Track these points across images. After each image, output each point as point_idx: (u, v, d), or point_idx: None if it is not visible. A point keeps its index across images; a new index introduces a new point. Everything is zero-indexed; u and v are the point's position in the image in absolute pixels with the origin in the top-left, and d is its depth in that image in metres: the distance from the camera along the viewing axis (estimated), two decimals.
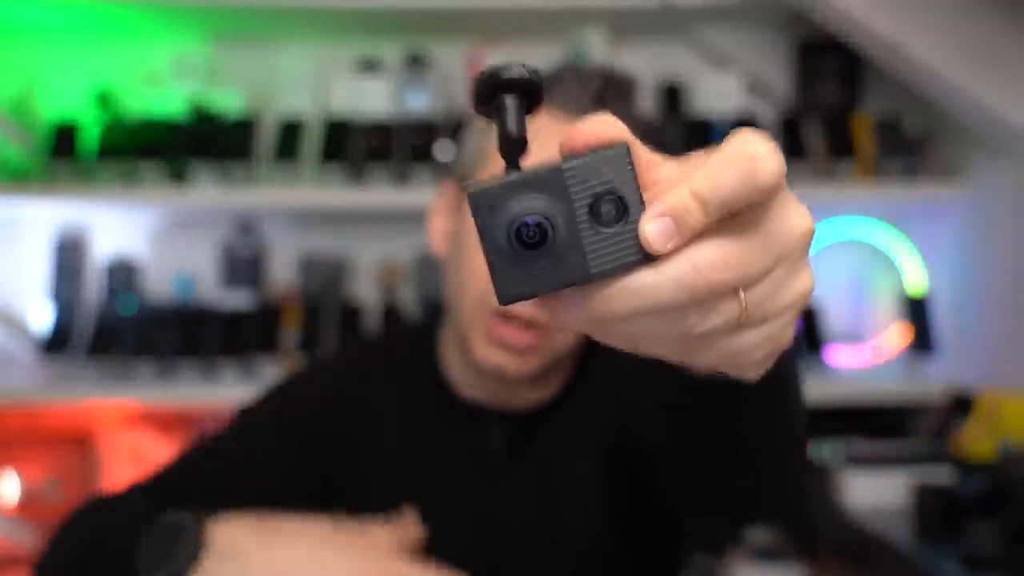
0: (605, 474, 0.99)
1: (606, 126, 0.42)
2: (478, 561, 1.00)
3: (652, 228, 0.39)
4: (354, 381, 1.08)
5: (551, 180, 0.40)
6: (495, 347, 0.91)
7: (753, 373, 0.50)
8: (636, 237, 0.40)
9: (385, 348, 1.15)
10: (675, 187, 0.40)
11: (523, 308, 0.82)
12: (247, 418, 1.06)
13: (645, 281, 0.40)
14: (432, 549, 1.00)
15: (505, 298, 0.41)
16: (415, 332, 1.14)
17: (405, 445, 1.03)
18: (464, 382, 1.03)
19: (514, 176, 0.41)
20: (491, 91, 0.42)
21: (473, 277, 0.92)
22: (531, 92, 0.43)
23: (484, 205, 0.40)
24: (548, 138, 0.76)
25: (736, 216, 0.41)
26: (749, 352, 0.46)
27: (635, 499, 0.98)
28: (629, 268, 0.40)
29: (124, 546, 0.77)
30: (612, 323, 0.42)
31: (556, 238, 0.40)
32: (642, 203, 0.40)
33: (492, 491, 1.01)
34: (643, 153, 0.43)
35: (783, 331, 0.47)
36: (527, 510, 1.00)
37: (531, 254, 0.40)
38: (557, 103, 0.87)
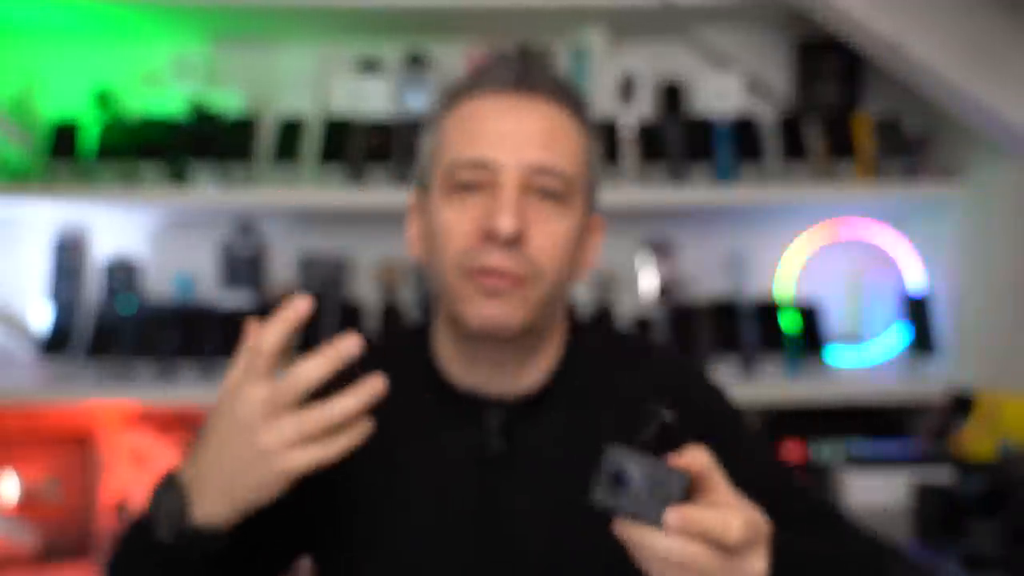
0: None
1: (695, 461, 0.78)
2: (483, 548, 1.01)
3: (672, 520, 0.74)
4: (347, 380, 1.09)
5: (649, 469, 0.76)
6: (483, 298, 0.97)
7: None
8: (663, 514, 0.75)
9: (379, 347, 1.15)
10: (698, 518, 0.75)
11: (499, 259, 0.95)
12: None
13: (659, 540, 0.75)
14: (435, 538, 1.01)
15: (595, 501, 0.76)
16: (408, 330, 1.17)
17: (402, 436, 1.04)
18: (459, 371, 1.06)
19: (637, 456, 0.76)
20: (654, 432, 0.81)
21: (450, 247, 0.98)
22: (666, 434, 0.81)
23: (615, 455, 0.76)
24: (479, 118, 0.99)
25: (721, 545, 0.75)
26: None
27: None
28: (652, 523, 0.75)
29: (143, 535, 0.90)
30: (638, 552, 0.76)
31: (631, 490, 0.75)
32: (678, 499, 0.76)
33: (492, 476, 1.02)
34: (708, 475, 0.78)
35: None
36: (528, 495, 1.02)
37: (617, 488, 0.76)
38: (486, 87, 1.01)
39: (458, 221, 0.98)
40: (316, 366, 0.83)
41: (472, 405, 1.05)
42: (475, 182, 0.98)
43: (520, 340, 1.02)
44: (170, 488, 0.86)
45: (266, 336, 0.84)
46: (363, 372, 1.08)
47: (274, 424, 0.82)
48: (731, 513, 0.76)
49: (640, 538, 0.75)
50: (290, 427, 0.82)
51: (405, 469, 1.04)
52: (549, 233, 0.97)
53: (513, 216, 0.94)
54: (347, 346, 0.83)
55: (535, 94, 1.00)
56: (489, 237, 0.95)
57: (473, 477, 1.03)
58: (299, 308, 0.84)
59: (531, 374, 1.05)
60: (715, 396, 1.12)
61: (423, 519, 1.02)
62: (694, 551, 0.75)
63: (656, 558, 0.76)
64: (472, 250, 0.96)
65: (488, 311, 0.97)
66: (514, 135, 0.98)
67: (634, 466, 0.76)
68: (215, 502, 0.85)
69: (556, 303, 1.03)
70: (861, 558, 1.02)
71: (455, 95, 1.03)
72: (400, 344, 1.14)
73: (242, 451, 0.83)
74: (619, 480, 0.76)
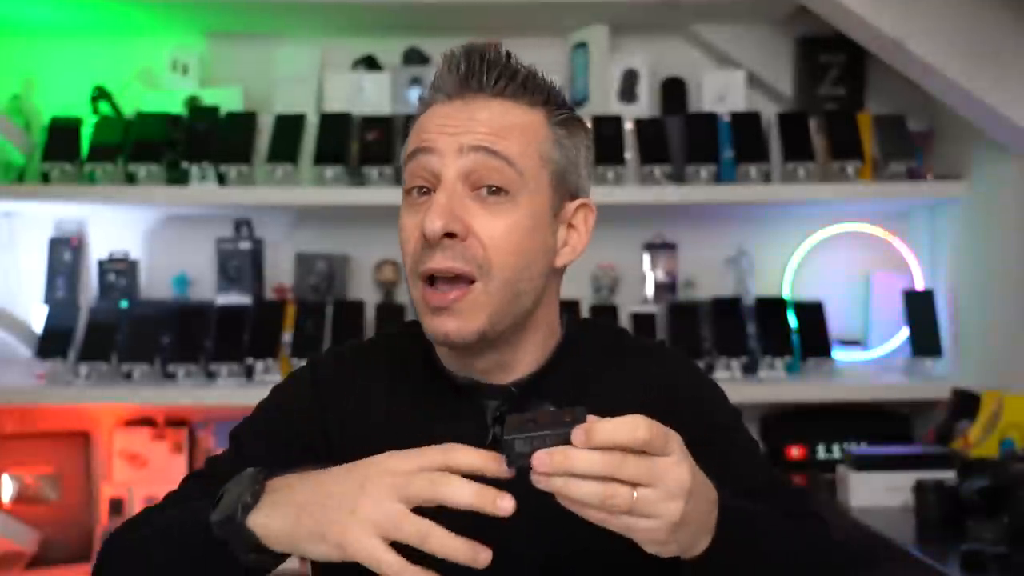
0: None
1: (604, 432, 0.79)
2: (483, 534, 1.00)
3: (577, 436, 0.78)
4: (350, 378, 1.12)
5: (550, 413, 0.83)
6: (433, 314, 0.99)
7: (652, 548, 0.83)
8: (569, 436, 0.79)
9: (379, 344, 1.19)
10: (602, 427, 0.78)
11: (439, 259, 0.97)
12: (240, 440, 1.12)
13: (580, 456, 0.77)
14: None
15: (508, 447, 0.80)
16: (407, 326, 1.19)
17: (406, 427, 1.06)
18: (451, 364, 1.08)
19: (534, 413, 0.84)
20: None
21: (404, 252, 1.01)
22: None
23: (516, 416, 0.83)
24: (427, 125, 1.01)
25: (643, 452, 0.78)
26: (639, 532, 0.80)
27: None
28: (563, 443, 0.79)
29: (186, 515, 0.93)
30: (564, 489, 0.78)
31: (539, 427, 0.80)
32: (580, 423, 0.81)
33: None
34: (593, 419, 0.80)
35: (662, 531, 0.80)
36: (526, 481, 1.01)
37: (527, 429, 0.80)
38: (435, 96, 1.03)
39: (410, 226, 1.00)
40: (462, 491, 0.82)
41: (470, 395, 1.06)
42: (425, 185, 0.99)
43: (491, 343, 1.02)
44: (254, 481, 0.87)
45: (468, 456, 0.84)
46: (362, 367, 1.11)
47: (381, 501, 0.82)
48: (630, 418, 0.79)
49: (563, 460, 0.77)
50: (391, 516, 0.81)
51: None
52: (495, 227, 0.98)
53: (439, 216, 0.95)
54: (502, 507, 0.82)
55: (480, 94, 1.01)
56: (424, 239, 0.97)
57: None
58: (497, 470, 0.82)
59: (522, 365, 1.07)
60: (715, 395, 1.13)
61: (425, 509, 1.02)
62: (615, 460, 0.77)
63: (584, 478, 0.77)
64: (417, 253, 0.99)
65: (444, 326, 0.99)
66: (455, 126, 0.99)
67: (538, 412, 0.82)
68: (280, 519, 0.85)
69: (524, 295, 1.02)
70: (812, 539, 1.04)
71: (417, 112, 1.06)
72: (401, 340, 1.15)
73: (338, 498, 0.83)
74: (527, 426, 0.80)
